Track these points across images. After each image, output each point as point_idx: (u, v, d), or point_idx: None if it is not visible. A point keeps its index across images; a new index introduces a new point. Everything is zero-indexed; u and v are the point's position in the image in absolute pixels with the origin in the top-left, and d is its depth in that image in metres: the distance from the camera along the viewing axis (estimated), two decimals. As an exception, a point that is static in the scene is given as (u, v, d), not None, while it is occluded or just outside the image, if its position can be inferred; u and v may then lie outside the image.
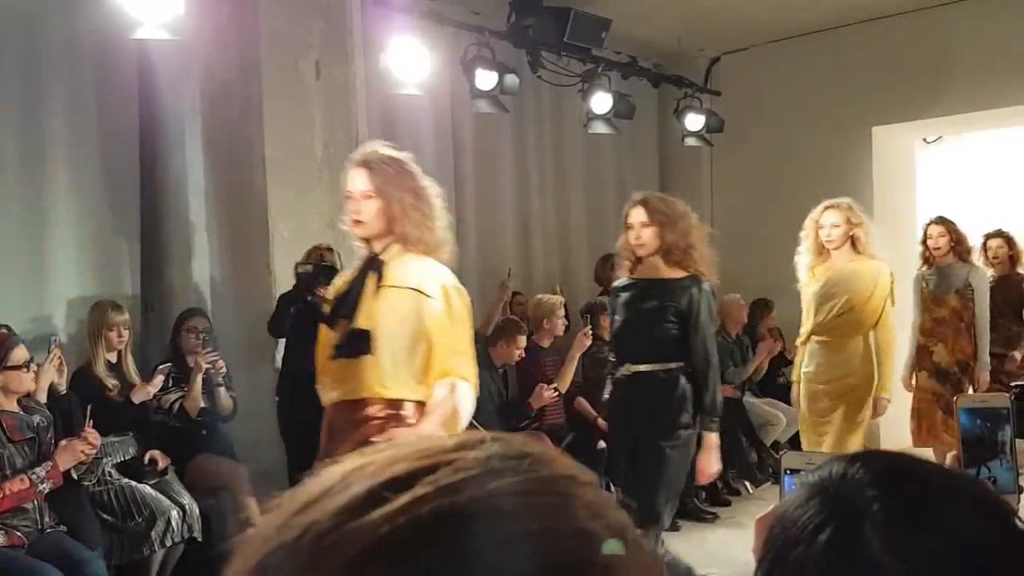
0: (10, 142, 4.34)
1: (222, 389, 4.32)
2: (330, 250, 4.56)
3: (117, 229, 4.74)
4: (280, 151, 4.79)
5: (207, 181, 4.87)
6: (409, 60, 5.11)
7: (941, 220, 5.51)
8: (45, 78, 4.42)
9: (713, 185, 7.78)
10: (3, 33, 4.29)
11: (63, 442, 3.44)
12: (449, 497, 0.42)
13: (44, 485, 3.35)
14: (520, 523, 0.42)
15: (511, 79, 5.52)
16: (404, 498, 0.42)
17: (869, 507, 0.61)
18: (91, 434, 3.47)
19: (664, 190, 7.82)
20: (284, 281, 4.63)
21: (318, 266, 4.24)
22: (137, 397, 4.05)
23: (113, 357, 4.13)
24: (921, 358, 5.45)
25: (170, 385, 4.28)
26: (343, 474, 0.45)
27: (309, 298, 4.06)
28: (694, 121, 6.82)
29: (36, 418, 3.50)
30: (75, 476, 3.58)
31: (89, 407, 3.59)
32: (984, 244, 6.02)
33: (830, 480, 0.64)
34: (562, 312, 5.67)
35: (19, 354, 3.44)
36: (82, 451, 3.43)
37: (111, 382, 4.05)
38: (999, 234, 6.14)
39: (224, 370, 4.33)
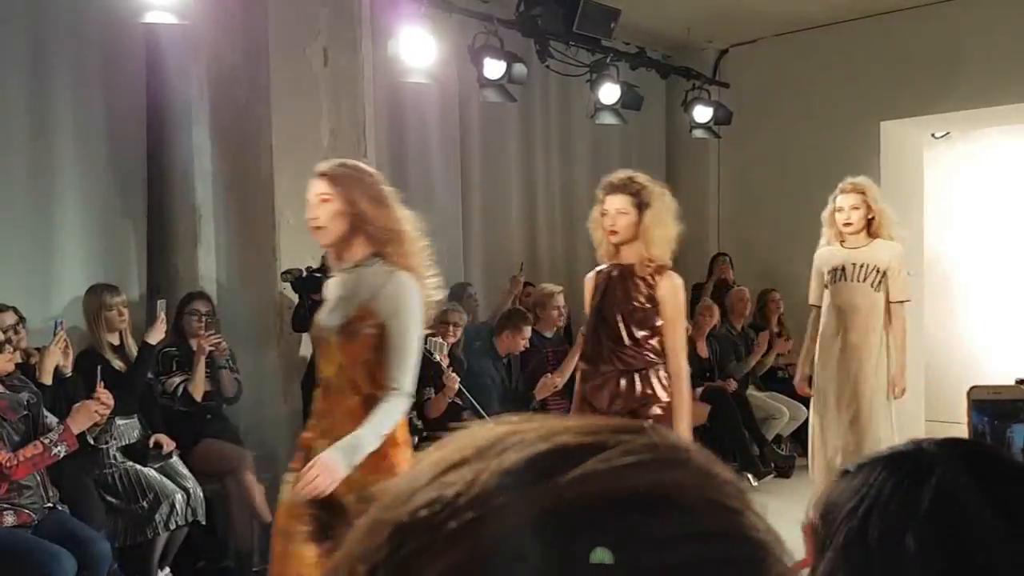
0: (17, 126, 4.34)
1: (225, 372, 4.33)
2: None
3: (124, 214, 4.75)
4: (287, 138, 4.79)
5: (214, 167, 4.88)
6: (417, 48, 5.10)
7: (325, 172, 2.52)
8: (52, 62, 4.42)
9: (720, 177, 7.77)
10: (10, 16, 4.29)
11: (77, 404, 3.45)
12: (625, 480, 0.39)
13: (59, 448, 3.35)
14: (698, 521, 0.39)
15: (519, 68, 5.50)
16: (579, 470, 0.38)
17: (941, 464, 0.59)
18: (104, 394, 3.47)
19: (670, 181, 7.78)
20: (289, 265, 4.64)
21: (300, 276, 4.34)
22: (152, 337, 4.06)
23: (115, 339, 4.14)
24: None
25: (174, 369, 4.30)
26: (496, 436, 0.41)
27: (309, 302, 4.25)
28: (702, 113, 6.80)
29: (24, 395, 3.50)
30: (91, 440, 3.58)
31: (99, 368, 3.61)
32: (602, 204, 3.27)
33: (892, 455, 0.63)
34: (558, 301, 5.65)
35: None
36: (96, 411, 3.43)
37: (116, 363, 4.06)
38: (623, 187, 3.20)
39: (227, 352, 4.34)
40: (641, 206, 3.27)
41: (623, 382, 3.28)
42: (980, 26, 6.38)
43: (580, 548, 0.36)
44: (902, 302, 4.33)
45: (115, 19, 4.30)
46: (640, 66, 6.82)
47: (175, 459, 4.09)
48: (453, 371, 4.64)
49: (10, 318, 3.75)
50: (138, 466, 3.92)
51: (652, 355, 3.29)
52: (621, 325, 3.29)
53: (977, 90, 6.43)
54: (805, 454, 6.39)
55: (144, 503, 3.82)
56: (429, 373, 4.61)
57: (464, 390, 4.62)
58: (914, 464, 0.62)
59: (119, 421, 3.94)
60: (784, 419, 6.33)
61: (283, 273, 4.51)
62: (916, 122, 7.05)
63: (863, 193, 4.34)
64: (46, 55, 4.41)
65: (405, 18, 5.10)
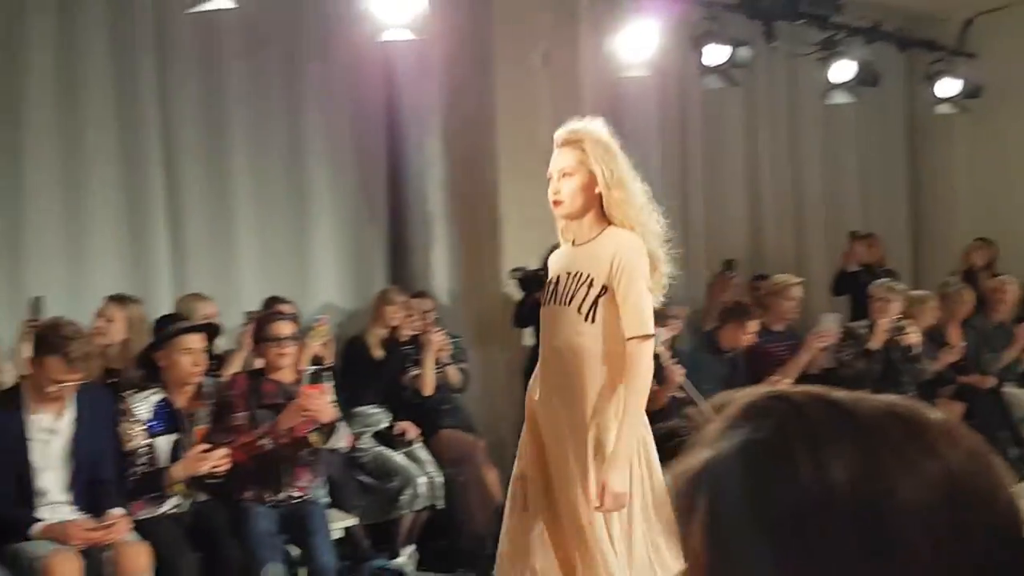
0: (275, 141, 4.85)
1: (450, 367, 4.59)
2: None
3: (370, 220, 5.20)
4: (511, 141, 5.00)
5: (444, 173, 5.20)
6: (636, 40, 5.11)
7: None
8: (303, 83, 4.90)
9: (970, 157, 7.12)
10: (267, 42, 4.78)
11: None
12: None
13: (264, 440, 3.43)
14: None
15: (743, 52, 5.37)
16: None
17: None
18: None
19: (912, 163, 7.28)
20: (513, 264, 4.86)
21: (525, 276, 4.57)
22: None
23: (385, 333, 4.54)
24: None
25: (410, 364, 4.63)
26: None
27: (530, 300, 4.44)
28: (948, 87, 6.28)
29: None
30: (313, 440, 3.55)
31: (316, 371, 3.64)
32: None
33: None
34: (795, 293, 5.39)
35: (282, 329, 3.68)
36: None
37: (376, 352, 4.48)
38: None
39: (451, 348, 4.59)
40: None
41: None
42: None
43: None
44: (639, 339, 2.40)
45: (358, 40, 4.67)
46: (875, 40, 6.39)
47: (418, 446, 4.39)
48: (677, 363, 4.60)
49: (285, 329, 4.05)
50: (387, 450, 4.27)
51: None
52: None
53: None
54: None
55: (394, 483, 4.14)
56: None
57: (688, 384, 4.57)
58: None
59: (370, 409, 4.33)
60: (1049, 420, 5.72)
61: (512, 270, 4.73)
62: None
63: (582, 148, 2.45)
64: (298, 78, 4.89)
65: (625, 11, 5.11)
